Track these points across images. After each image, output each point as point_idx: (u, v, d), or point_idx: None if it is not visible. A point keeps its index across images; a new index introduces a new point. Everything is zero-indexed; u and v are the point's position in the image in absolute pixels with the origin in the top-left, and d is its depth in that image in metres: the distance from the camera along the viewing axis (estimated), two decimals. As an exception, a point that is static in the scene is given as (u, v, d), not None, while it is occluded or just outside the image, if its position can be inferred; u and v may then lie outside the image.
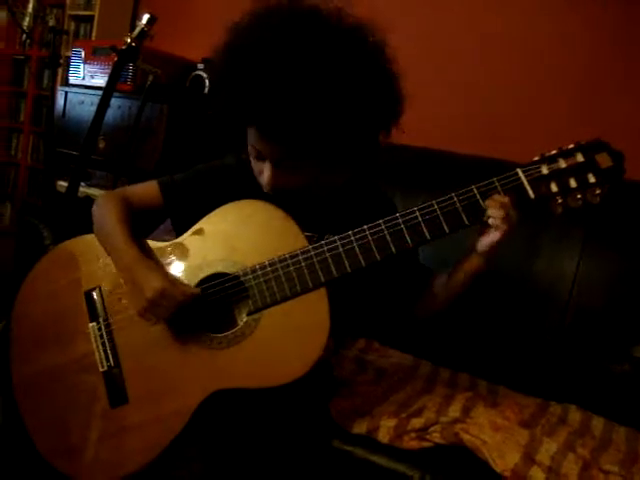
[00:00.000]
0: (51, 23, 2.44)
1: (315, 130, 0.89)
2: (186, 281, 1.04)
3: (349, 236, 0.96)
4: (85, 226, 1.13)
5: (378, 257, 0.95)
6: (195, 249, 1.06)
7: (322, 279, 0.97)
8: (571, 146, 0.91)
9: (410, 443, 1.09)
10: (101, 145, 2.28)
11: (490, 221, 0.92)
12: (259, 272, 0.99)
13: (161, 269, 1.03)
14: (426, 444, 1.09)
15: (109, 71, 1.91)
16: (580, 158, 0.90)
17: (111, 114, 2.18)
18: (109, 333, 1.08)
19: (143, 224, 1.13)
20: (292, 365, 0.96)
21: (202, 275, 1.04)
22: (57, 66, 2.43)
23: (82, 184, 2.17)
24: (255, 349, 0.98)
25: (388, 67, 0.95)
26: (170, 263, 1.07)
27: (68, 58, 2.62)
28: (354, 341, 1.55)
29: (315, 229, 1.05)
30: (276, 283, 0.98)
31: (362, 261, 0.96)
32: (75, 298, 1.11)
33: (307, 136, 0.90)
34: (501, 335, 1.50)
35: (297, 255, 0.98)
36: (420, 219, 0.94)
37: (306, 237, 1.00)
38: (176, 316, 1.00)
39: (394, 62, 0.96)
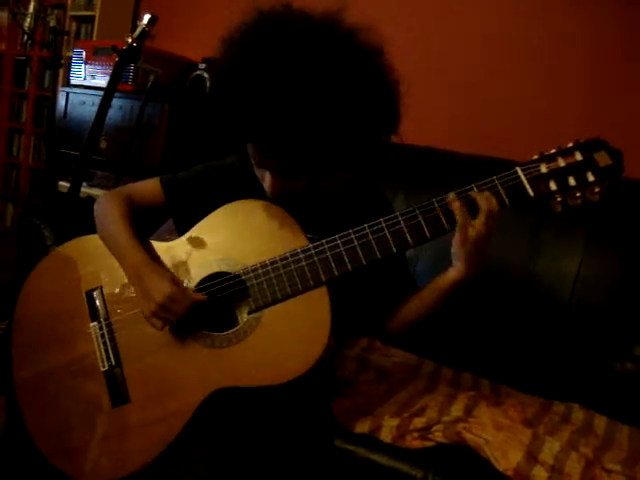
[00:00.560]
0: (52, 24, 2.46)
1: (314, 144, 0.88)
2: (187, 281, 1.04)
3: (349, 234, 0.96)
4: (87, 226, 1.14)
5: (379, 255, 0.95)
6: (196, 249, 1.06)
7: (323, 278, 0.97)
8: (570, 145, 0.91)
9: (412, 442, 1.09)
10: (102, 145, 2.28)
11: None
12: (260, 271, 0.99)
13: (167, 272, 1.04)
14: (428, 443, 1.09)
15: (110, 71, 1.92)
16: (579, 157, 0.90)
17: (112, 114, 2.18)
18: (110, 333, 1.08)
19: (145, 223, 1.13)
20: (294, 363, 0.96)
21: (203, 274, 1.04)
22: (58, 67, 2.43)
23: (84, 184, 2.18)
24: (256, 348, 0.99)
25: (386, 74, 0.93)
26: (171, 263, 1.07)
27: (69, 58, 2.62)
28: (357, 340, 1.55)
29: (316, 232, 1.05)
30: (277, 282, 0.98)
31: (363, 259, 0.96)
32: (76, 298, 1.11)
33: (306, 150, 0.89)
34: (503, 334, 1.49)
35: (298, 254, 0.98)
36: (420, 218, 0.94)
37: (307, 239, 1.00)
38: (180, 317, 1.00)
39: (393, 67, 0.94)
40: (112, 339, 1.07)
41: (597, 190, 0.89)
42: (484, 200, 0.92)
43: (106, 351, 1.07)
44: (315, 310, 0.97)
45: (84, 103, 2.45)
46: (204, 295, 1.03)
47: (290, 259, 0.98)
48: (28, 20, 2.48)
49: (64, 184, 2.40)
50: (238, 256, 1.02)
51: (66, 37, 2.80)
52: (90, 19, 2.92)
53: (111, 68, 1.93)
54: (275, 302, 0.99)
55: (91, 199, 2.13)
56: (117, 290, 1.09)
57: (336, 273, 0.96)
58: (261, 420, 1.04)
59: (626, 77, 1.78)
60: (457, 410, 1.15)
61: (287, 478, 1.04)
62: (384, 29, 0.92)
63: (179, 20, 2.65)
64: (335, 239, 0.97)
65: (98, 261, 1.12)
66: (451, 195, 0.93)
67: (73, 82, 2.53)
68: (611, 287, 1.44)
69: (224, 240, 1.04)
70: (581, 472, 1.01)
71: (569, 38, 1.86)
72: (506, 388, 1.37)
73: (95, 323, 1.09)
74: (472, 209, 0.92)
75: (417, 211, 0.95)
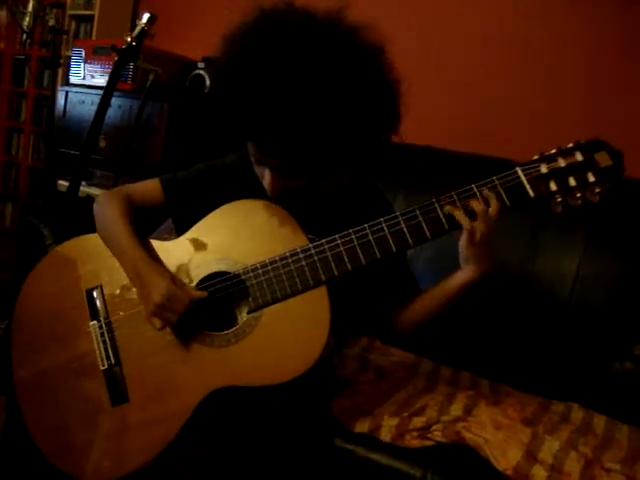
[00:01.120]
0: (51, 23, 2.45)
1: (314, 142, 0.88)
2: (187, 280, 1.04)
3: (350, 234, 0.96)
4: (86, 226, 1.13)
5: (379, 255, 0.95)
6: (196, 248, 1.06)
7: (323, 277, 0.97)
8: (570, 145, 0.91)
9: (412, 442, 1.09)
10: (102, 144, 2.28)
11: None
12: (260, 270, 0.99)
13: (167, 271, 1.03)
14: (428, 443, 1.09)
15: (109, 70, 1.92)
16: (579, 157, 0.90)
17: (112, 113, 2.18)
18: (110, 331, 1.08)
19: (144, 222, 1.13)
20: (293, 363, 0.96)
21: (203, 274, 1.04)
22: (57, 66, 2.43)
23: (83, 183, 2.18)
24: (256, 347, 0.98)
25: (387, 74, 0.93)
26: (171, 262, 1.06)
27: (68, 58, 2.62)
28: (356, 339, 1.55)
29: (316, 232, 1.05)
30: (277, 281, 0.98)
31: (363, 259, 0.96)
32: (76, 297, 1.11)
33: (306, 148, 0.89)
34: (503, 333, 1.50)
35: (298, 253, 0.98)
36: (420, 218, 0.94)
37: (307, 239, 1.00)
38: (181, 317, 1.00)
39: (393, 66, 0.93)
40: (112, 338, 1.07)
41: (598, 191, 0.89)
42: (484, 201, 0.92)
43: (105, 350, 1.07)
44: (315, 310, 0.97)
45: (83, 102, 2.45)
46: (205, 292, 1.02)
47: (290, 259, 0.98)
48: (27, 19, 2.48)
49: (63, 183, 2.40)
50: (238, 256, 1.02)
51: (65, 36, 2.79)
52: (89, 18, 2.92)
53: (110, 67, 1.93)
54: (275, 302, 0.99)
55: (90, 198, 2.14)
56: (117, 289, 1.09)
57: (336, 273, 0.96)
58: (261, 419, 1.04)
59: (626, 77, 1.78)
60: (456, 409, 1.15)
61: (287, 477, 1.04)
62: (384, 28, 0.92)
63: (178, 19, 2.65)
64: (335, 239, 0.97)
65: (98, 260, 1.11)
66: (452, 196, 0.93)
67: (72, 81, 2.53)
68: (611, 287, 1.44)
69: (224, 240, 1.04)
70: (580, 471, 1.01)
71: (569, 38, 1.86)
72: (505, 387, 1.37)
73: (95, 322, 1.09)
74: (472, 210, 0.92)
75: (417, 211, 0.94)
